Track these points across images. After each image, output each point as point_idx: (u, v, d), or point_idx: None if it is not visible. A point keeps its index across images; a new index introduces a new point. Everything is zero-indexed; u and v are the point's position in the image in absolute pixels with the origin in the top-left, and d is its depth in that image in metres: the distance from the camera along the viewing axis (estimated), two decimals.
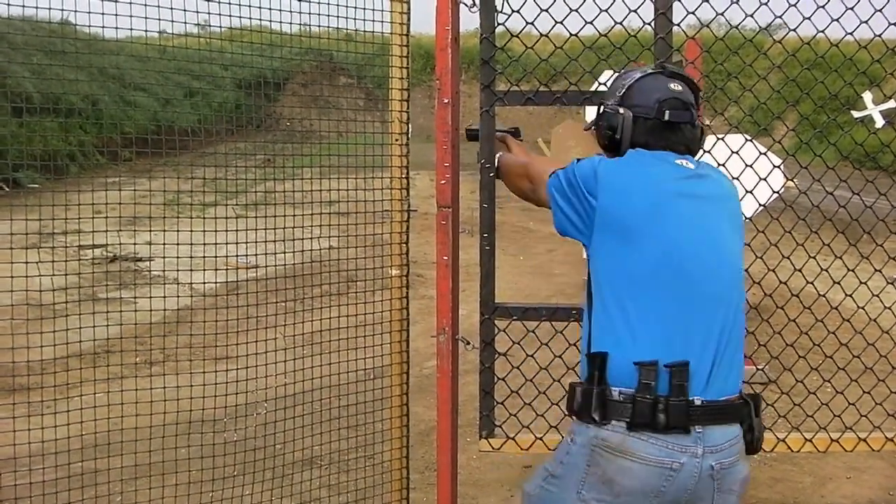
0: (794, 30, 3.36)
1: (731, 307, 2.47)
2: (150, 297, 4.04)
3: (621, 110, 2.56)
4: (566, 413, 2.55)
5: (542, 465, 2.62)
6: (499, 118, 3.27)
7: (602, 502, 2.39)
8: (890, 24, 3.29)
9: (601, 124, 2.64)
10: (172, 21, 3.32)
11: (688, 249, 2.41)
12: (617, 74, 2.75)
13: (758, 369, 3.78)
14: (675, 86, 2.58)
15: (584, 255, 2.62)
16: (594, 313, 2.48)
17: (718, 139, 3.44)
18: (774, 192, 3.75)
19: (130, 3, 3.20)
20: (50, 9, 3.30)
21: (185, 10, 3.31)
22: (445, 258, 3.22)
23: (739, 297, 2.52)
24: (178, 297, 4.36)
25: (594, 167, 2.47)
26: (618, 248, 2.42)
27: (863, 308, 3.60)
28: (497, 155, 3.17)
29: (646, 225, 2.40)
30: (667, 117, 2.53)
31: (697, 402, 2.35)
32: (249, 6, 3.46)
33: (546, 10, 3.17)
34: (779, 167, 3.65)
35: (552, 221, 2.62)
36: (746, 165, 3.38)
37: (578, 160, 2.56)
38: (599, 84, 3.71)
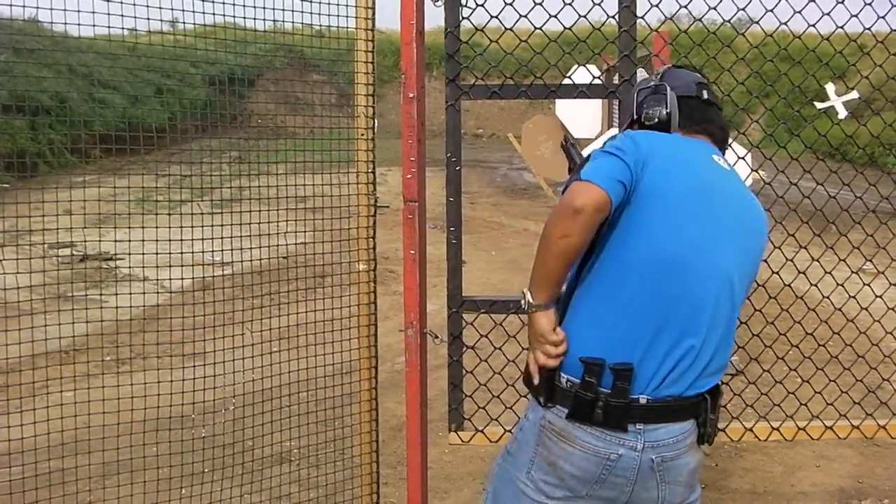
0: (758, 22, 3.38)
1: (716, 311, 2.37)
2: (117, 295, 4.01)
3: (667, 87, 2.50)
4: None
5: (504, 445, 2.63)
6: (469, 114, 3.28)
7: (549, 484, 2.40)
8: (852, 15, 3.32)
9: (646, 106, 2.51)
10: (137, 18, 3.29)
11: (691, 249, 2.31)
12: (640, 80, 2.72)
13: None
14: (699, 76, 2.60)
15: None
16: (575, 297, 2.41)
17: None
18: None
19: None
20: (24, 7, 3.24)
21: (150, 7, 3.27)
22: (412, 252, 3.23)
23: (733, 308, 2.43)
24: (144, 293, 4.33)
25: (635, 139, 2.32)
26: (631, 225, 2.29)
27: (828, 298, 3.64)
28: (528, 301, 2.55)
29: (673, 208, 2.29)
30: (706, 96, 2.52)
31: (643, 401, 2.32)
32: (223, 3, 3.44)
33: (510, 4, 3.17)
34: (744, 158, 3.68)
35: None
36: None
37: (603, 146, 2.37)
38: (566, 77, 3.72)
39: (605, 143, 2.41)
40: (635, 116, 2.55)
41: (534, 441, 2.42)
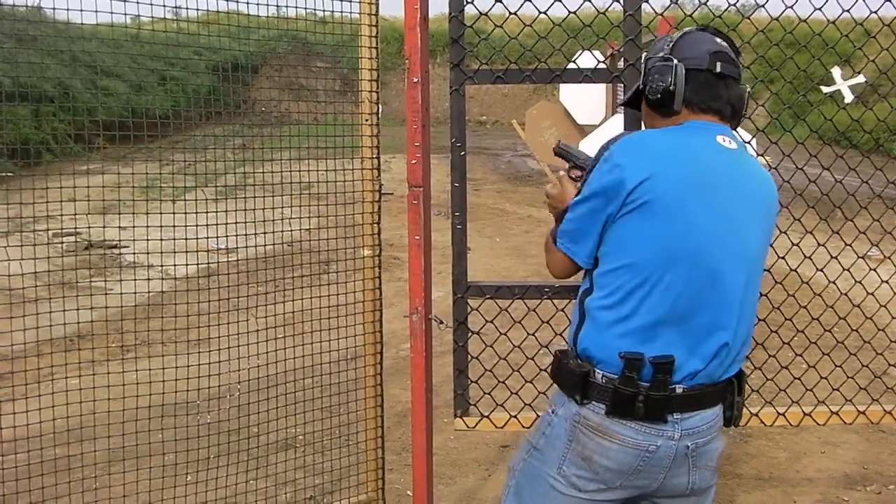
0: (763, 6, 3.36)
1: (742, 301, 2.38)
2: (122, 282, 4.02)
3: (674, 61, 2.40)
4: (551, 384, 2.52)
5: (525, 439, 2.60)
6: (474, 101, 3.27)
7: (582, 478, 2.39)
8: None
9: (651, 79, 2.44)
10: (140, 4, 3.28)
11: (709, 242, 2.30)
12: (656, 39, 2.64)
13: None
14: (721, 41, 2.46)
15: None
16: (593, 292, 2.41)
17: None
18: None
19: None
20: None
21: None
22: (417, 238, 3.22)
23: (754, 290, 2.44)
24: (149, 280, 4.33)
25: (618, 174, 2.28)
26: (636, 228, 2.30)
27: (834, 283, 3.63)
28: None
29: (672, 208, 2.27)
30: (718, 69, 2.40)
31: (679, 391, 2.33)
32: None
33: None
34: (749, 143, 3.66)
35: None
36: None
37: (582, 188, 2.41)
38: (570, 62, 3.71)
39: (598, 153, 2.41)
40: (642, 86, 2.51)
41: (566, 437, 2.41)
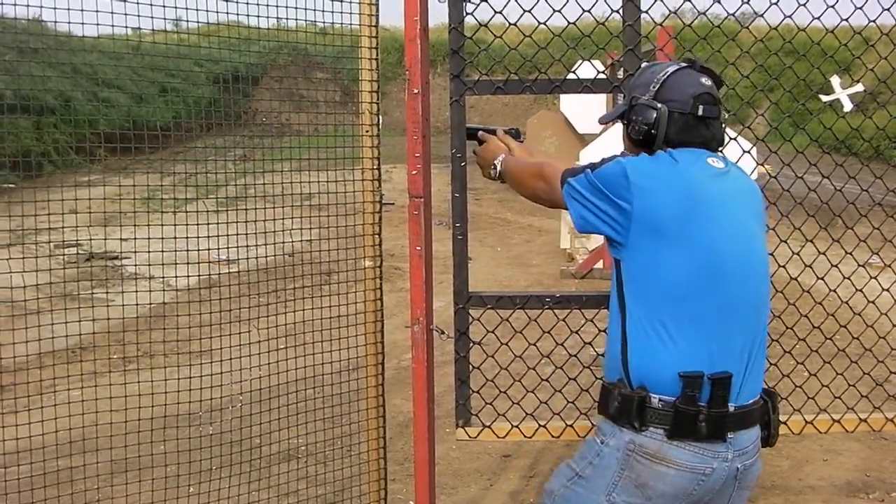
0: (762, 15, 3.38)
1: (764, 310, 2.49)
2: (124, 294, 4.02)
3: (658, 105, 2.48)
4: (604, 414, 2.53)
5: (564, 463, 2.61)
6: (474, 110, 3.27)
7: None
8: (857, 8, 3.30)
9: (635, 118, 2.54)
10: (140, 17, 3.29)
11: (726, 255, 2.39)
12: (644, 66, 2.68)
13: None
14: (706, 81, 2.53)
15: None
16: (629, 318, 2.44)
17: None
18: None
19: None
20: (28, 6, 3.21)
21: (153, 6, 3.27)
22: (418, 248, 3.23)
23: (768, 298, 2.53)
24: (150, 292, 4.33)
25: (624, 170, 2.39)
26: (655, 253, 2.37)
27: (835, 291, 3.63)
28: (499, 157, 2.98)
29: (684, 229, 2.35)
30: (701, 113, 2.48)
31: (731, 409, 2.37)
32: (226, 1, 3.44)
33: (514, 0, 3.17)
34: (749, 152, 3.66)
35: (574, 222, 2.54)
36: None
37: (594, 165, 2.49)
38: (570, 72, 3.71)
39: (608, 159, 2.49)
40: (625, 121, 2.59)
41: (617, 465, 2.41)
